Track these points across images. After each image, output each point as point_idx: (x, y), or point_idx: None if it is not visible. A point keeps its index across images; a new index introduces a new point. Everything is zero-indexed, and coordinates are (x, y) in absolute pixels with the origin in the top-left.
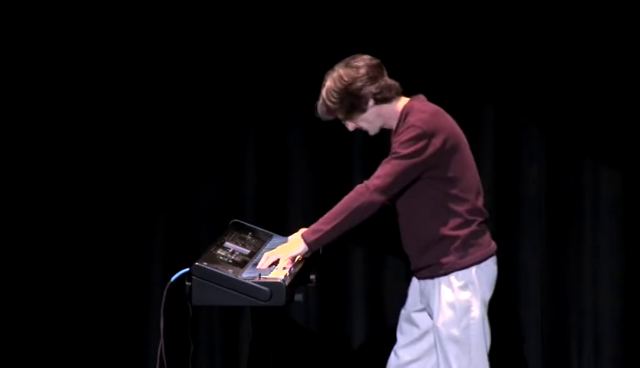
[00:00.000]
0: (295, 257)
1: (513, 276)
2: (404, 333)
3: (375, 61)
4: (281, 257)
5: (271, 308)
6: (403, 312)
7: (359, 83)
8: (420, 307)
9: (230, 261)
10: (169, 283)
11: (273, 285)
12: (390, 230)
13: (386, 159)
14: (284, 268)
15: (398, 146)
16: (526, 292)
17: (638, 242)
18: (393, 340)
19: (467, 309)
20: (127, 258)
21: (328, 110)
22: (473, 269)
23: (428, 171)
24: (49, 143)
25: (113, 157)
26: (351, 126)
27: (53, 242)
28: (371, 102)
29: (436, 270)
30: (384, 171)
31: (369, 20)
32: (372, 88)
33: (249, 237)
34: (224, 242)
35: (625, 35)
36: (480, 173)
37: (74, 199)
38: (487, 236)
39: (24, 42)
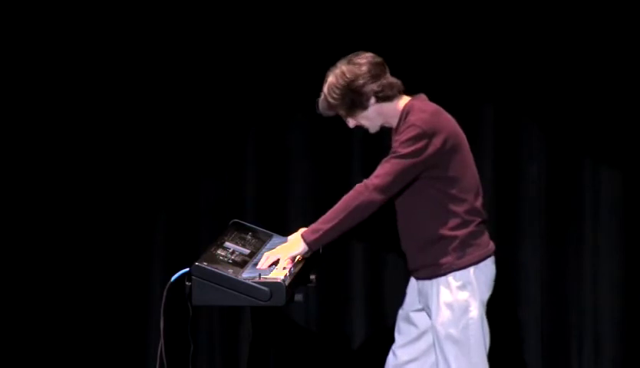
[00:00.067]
0: (295, 257)
1: (513, 276)
2: (402, 332)
3: (378, 59)
4: (281, 257)
5: (271, 308)
6: (401, 312)
7: (361, 81)
8: (419, 306)
9: (230, 261)
10: (169, 283)
11: (273, 285)
12: (390, 230)
13: (386, 158)
14: (284, 268)
15: (398, 145)
16: (525, 292)
17: (638, 242)
18: (393, 340)
19: (466, 309)
20: (127, 258)
21: (330, 105)
22: (471, 269)
23: (428, 170)
24: (49, 144)
25: (113, 157)
26: (351, 123)
27: (53, 242)
28: (373, 100)
29: (434, 270)
30: (384, 170)
31: (369, 20)
32: (374, 86)
33: (249, 237)
34: (224, 242)
35: (625, 35)
36: (480, 173)
37: (74, 199)
38: (485, 236)
39: (24, 42)
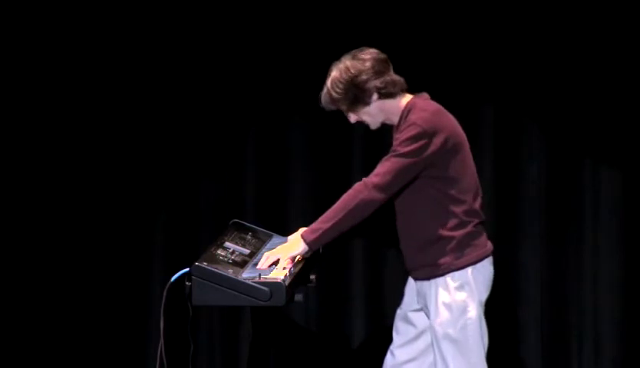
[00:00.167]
0: (295, 257)
1: (513, 276)
2: (400, 332)
3: (382, 56)
4: (281, 257)
5: (271, 308)
6: (399, 311)
7: (364, 76)
8: (417, 306)
9: (230, 261)
10: (169, 283)
11: (273, 285)
12: (390, 230)
13: (386, 157)
14: (284, 268)
15: (399, 143)
16: (525, 292)
17: (638, 242)
18: (392, 340)
19: (464, 309)
20: (127, 258)
21: (332, 100)
22: (469, 270)
23: (428, 170)
24: (49, 144)
25: (113, 157)
26: (353, 118)
27: (53, 242)
28: (375, 96)
29: (432, 271)
30: (383, 169)
31: (369, 20)
32: (377, 82)
33: (249, 237)
34: (224, 242)
35: (625, 35)
36: (480, 173)
37: (75, 200)
38: (483, 237)
39: (24, 42)
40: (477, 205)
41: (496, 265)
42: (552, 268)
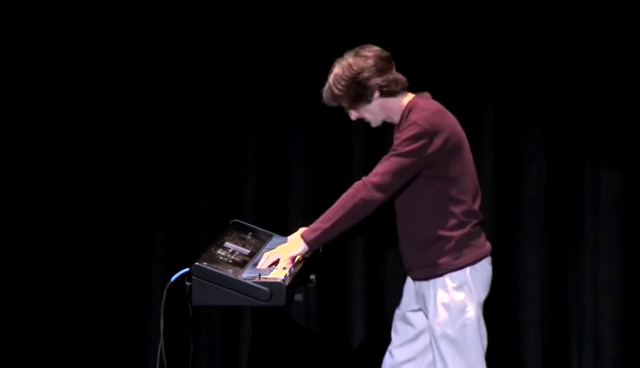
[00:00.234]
0: (295, 257)
1: (513, 276)
2: (399, 332)
3: (385, 54)
4: (281, 257)
5: (271, 308)
6: (398, 312)
7: (367, 74)
8: (416, 307)
9: (230, 261)
10: (169, 283)
11: (273, 285)
12: (390, 230)
13: (386, 156)
14: (284, 268)
15: (399, 143)
16: (525, 292)
17: (638, 242)
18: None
19: (462, 309)
20: (127, 258)
21: (334, 96)
22: (468, 270)
23: (427, 169)
24: (50, 144)
25: (113, 157)
26: (354, 115)
27: (53, 242)
28: (377, 94)
29: (431, 271)
30: (383, 168)
31: (369, 20)
32: (379, 80)
33: (249, 237)
34: (224, 242)
35: (625, 35)
36: (480, 173)
37: (75, 200)
38: (482, 238)
39: (24, 42)
40: (476, 205)
41: (496, 265)
42: (552, 268)
